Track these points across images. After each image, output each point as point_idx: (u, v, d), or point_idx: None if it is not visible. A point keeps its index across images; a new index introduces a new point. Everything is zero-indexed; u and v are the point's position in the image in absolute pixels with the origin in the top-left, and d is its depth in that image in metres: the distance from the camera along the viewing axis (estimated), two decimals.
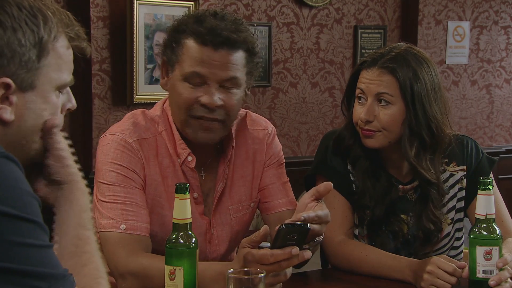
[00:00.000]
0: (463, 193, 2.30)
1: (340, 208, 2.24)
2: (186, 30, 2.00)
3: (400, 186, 2.26)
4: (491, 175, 2.21)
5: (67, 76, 1.35)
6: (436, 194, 2.22)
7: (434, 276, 1.96)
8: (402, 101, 2.15)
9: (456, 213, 2.30)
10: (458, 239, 2.33)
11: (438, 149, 2.22)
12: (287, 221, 1.73)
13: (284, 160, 2.28)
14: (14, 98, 1.26)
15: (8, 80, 1.24)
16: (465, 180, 2.29)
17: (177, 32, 2.02)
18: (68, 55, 1.35)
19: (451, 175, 2.29)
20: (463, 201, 2.30)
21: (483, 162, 2.30)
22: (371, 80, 2.17)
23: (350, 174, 2.27)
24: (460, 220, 2.32)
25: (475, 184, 2.20)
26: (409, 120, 2.15)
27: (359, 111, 2.19)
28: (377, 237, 2.25)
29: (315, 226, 1.78)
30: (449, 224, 2.29)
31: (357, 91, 2.21)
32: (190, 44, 1.99)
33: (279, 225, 1.71)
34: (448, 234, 2.29)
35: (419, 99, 2.15)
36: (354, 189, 2.25)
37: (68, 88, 1.39)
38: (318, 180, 2.29)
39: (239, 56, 2.00)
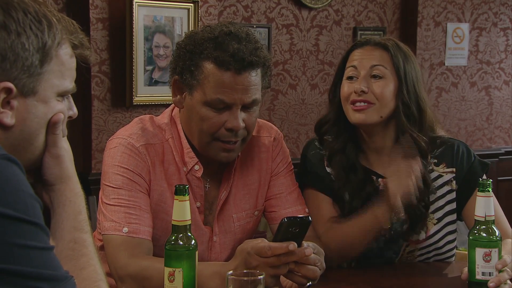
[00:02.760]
0: (453, 195, 2.30)
1: (327, 207, 2.28)
2: (205, 53, 1.98)
3: (380, 180, 2.27)
4: None
5: (69, 83, 1.35)
6: (423, 167, 2.20)
7: None
8: (395, 76, 2.21)
9: (446, 215, 2.30)
10: (451, 242, 2.33)
11: (423, 127, 2.25)
12: None
13: (293, 166, 2.27)
14: (15, 103, 1.26)
15: (10, 85, 1.24)
16: (454, 182, 2.30)
17: (194, 55, 2.00)
18: (71, 62, 1.35)
19: (440, 176, 2.30)
20: (454, 203, 2.31)
21: (475, 166, 2.31)
22: (365, 55, 2.24)
23: (331, 176, 2.29)
24: (452, 222, 2.32)
25: (467, 188, 2.23)
26: (402, 95, 2.21)
27: (351, 87, 2.22)
28: None
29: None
30: (434, 224, 2.29)
31: (349, 70, 2.25)
32: (211, 69, 1.97)
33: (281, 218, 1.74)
34: (433, 234, 2.29)
35: (410, 78, 2.22)
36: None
37: (70, 96, 1.39)
38: (304, 189, 2.31)
39: (257, 76, 2.01)
